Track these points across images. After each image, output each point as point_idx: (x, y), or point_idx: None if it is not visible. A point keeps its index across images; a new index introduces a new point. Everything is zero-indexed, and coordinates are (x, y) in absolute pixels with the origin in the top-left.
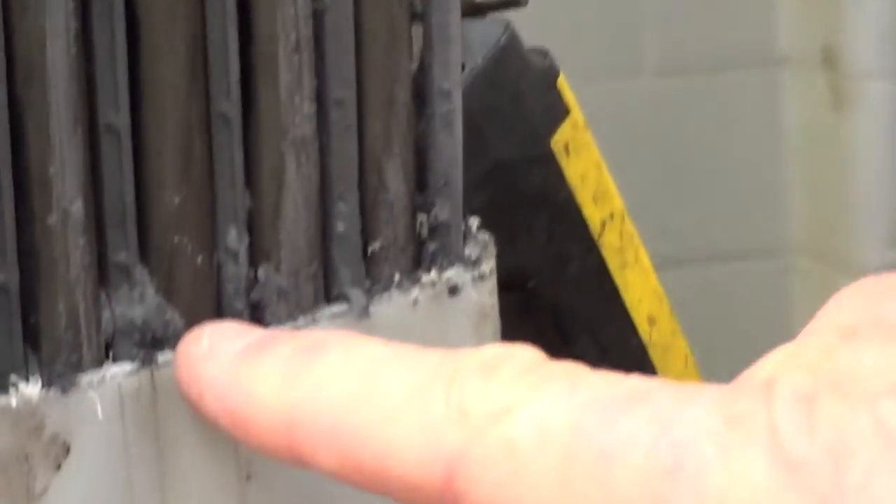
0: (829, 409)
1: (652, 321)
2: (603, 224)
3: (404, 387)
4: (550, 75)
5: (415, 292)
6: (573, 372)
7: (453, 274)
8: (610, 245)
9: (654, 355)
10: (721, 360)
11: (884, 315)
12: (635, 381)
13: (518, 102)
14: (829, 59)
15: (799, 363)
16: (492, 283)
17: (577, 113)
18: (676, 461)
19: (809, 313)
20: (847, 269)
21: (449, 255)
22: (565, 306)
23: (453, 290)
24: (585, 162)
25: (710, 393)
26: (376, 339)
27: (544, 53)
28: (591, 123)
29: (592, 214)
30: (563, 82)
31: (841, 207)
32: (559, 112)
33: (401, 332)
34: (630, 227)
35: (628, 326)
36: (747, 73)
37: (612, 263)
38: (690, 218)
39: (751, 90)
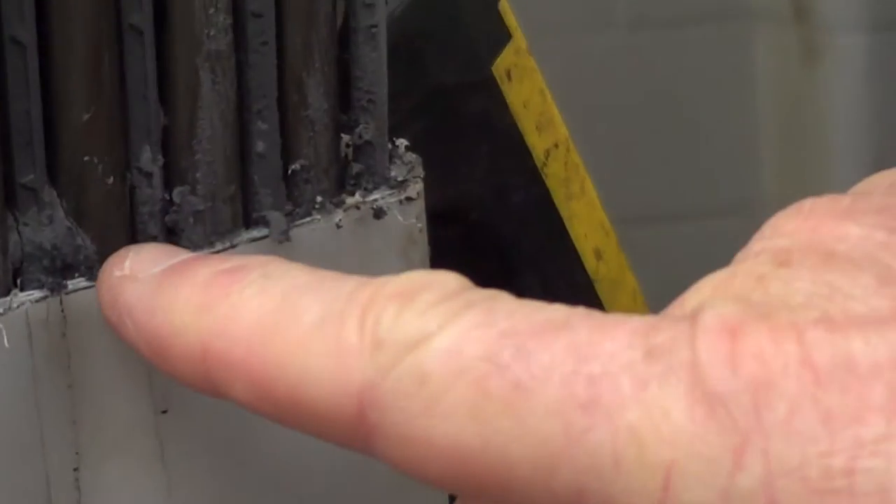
0: (754, 340)
1: (598, 255)
2: (547, 153)
3: (319, 315)
4: None
5: (338, 215)
6: (493, 300)
7: (378, 196)
8: (554, 175)
9: (601, 290)
10: None
11: (819, 240)
12: (556, 309)
13: (457, 25)
14: (801, 13)
15: (727, 292)
16: (419, 206)
17: (519, 38)
18: (591, 395)
19: None
20: None
21: (374, 177)
22: (509, 239)
23: (378, 213)
24: (528, 89)
25: (632, 324)
26: (298, 264)
27: None
28: (561, 78)
29: (536, 143)
30: (505, 6)
31: (813, 162)
32: (501, 36)
33: (324, 258)
34: (576, 157)
35: (574, 260)
36: (718, 27)
37: (557, 194)
38: (661, 174)
39: (722, 44)
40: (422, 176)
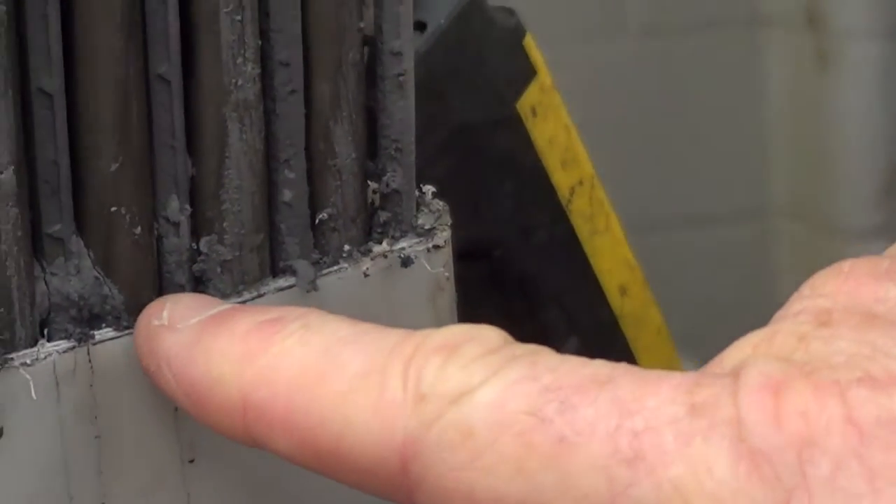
0: (798, 397)
1: (623, 291)
2: (572, 190)
3: (361, 367)
4: (516, 35)
5: (365, 264)
6: (536, 354)
7: (406, 245)
8: (579, 212)
9: (626, 326)
10: (701, 326)
11: (860, 300)
12: (599, 365)
13: (482, 63)
14: (814, 19)
15: (769, 350)
16: (447, 254)
17: (544, 74)
18: (635, 450)
19: (791, 277)
20: (829, 232)
21: (401, 225)
22: (533, 276)
23: (406, 262)
24: (554, 125)
25: (675, 380)
26: (337, 316)
27: (510, 12)
28: (572, 84)
29: (561, 180)
30: (529, 42)
31: (824, 169)
32: (526, 73)
33: (351, 306)
34: (601, 193)
35: (598, 297)
36: (731, 34)
37: (582, 231)
38: (672, 180)
39: (735, 50)
40: (449, 224)
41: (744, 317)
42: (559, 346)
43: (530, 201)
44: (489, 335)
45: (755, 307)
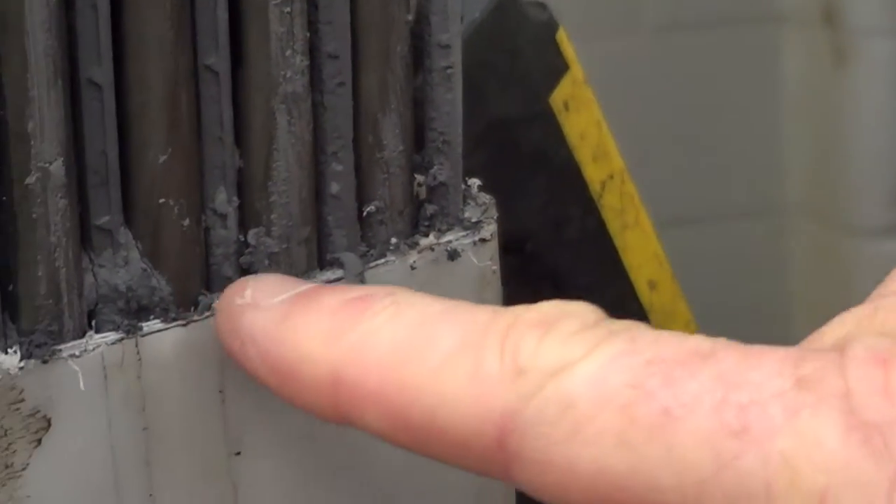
0: None
1: (653, 285)
2: (603, 184)
3: (455, 342)
4: (549, 29)
5: (412, 257)
6: (633, 330)
7: (452, 238)
8: (610, 206)
9: (655, 320)
10: (716, 323)
11: None
12: (699, 339)
13: (516, 58)
14: (830, 16)
15: (872, 327)
16: (493, 248)
17: (576, 69)
18: (743, 423)
19: (806, 275)
20: (846, 230)
21: (448, 218)
22: (564, 270)
23: (452, 255)
24: (585, 120)
25: (778, 354)
26: (424, 294)
27: (543, 6)
28: (587, 80)
29: (592, 174)
30: (562, 37)
31: (840, 166)
32: (558, 68)
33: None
34: (631, 187)
35: (628, 291)
36: (747, 30)
37: (612, 225)
38: (687, 177)
39: (750, 47)
40: (495, 217)
41: (758, 314)
42: None
43: (562, 195)
44: (585, 311)
45: (769, 304)
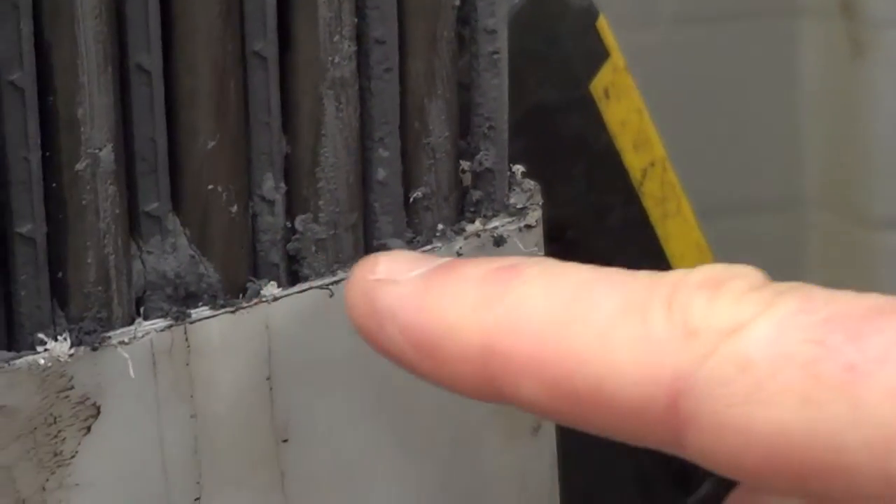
0: None
1: None
2: (644, 172)
3: (617, 306)
4: (590, 16)
5: (458, 243)
6: (804, 289)
7: (498, 224)
8: (651, 194)
9: None
10: None
11: None
12: (874, 297)
13: (556, 44)
14: (847, 8)
15: None
16: (538, 234)
17: (617, 56)
18: None
19: (824, 267)
20: (864, 223)
21: (493, 204)
22: (605, 258)
23: (499, 241)
24: (626, 107)
25: None
26: (573, 263)
27: None
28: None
29: (633, 162)
30: (602, 23)
31: (858, 159)
32: (599, 55)
33: None
34: (672, 176)
35: None
36: (764, 22)
37: (654, 214)
38: (704, 170)
39: (767, 40)
40: (540, 203)
41: None
42: None
43: (603, 183)
44: (751, 272)
45: None
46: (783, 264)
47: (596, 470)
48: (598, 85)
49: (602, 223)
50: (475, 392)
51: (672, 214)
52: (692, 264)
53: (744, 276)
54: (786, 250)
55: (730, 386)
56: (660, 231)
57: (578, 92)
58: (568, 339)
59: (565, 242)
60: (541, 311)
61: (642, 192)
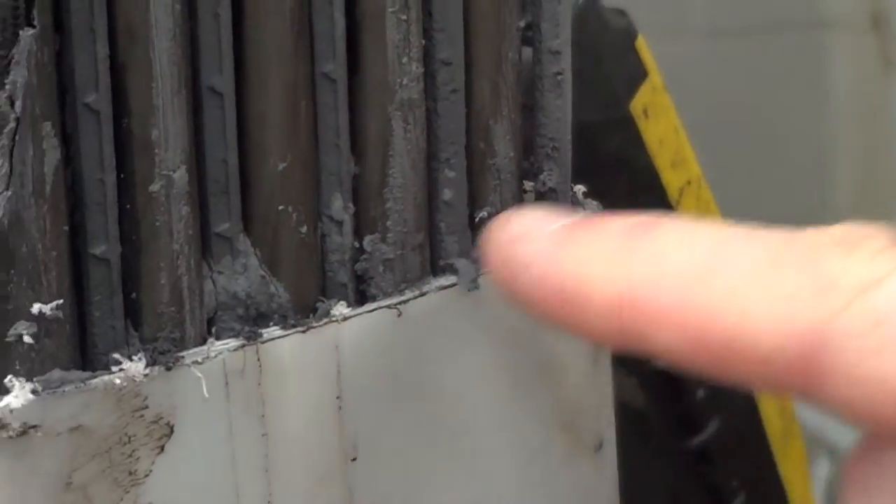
0: None
1: None
2: (681, 190)
3: (755, 260)
4: (629, 36)
5: None
6: None
7: None
8: (688, 212)
9: None
10: None
11: None
12: None
13: (597, 64)
14: (878, 22)
15: None
16: None
17: (655, 76)
18: None
19: None
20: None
21: None
22: None
23: None
24: (664, 126)
25: None
26: (706, 222)
27: (623, 13)
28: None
29: (670, 180)
30: (641, 43)
31: (889, 173)
32: (638, 74)
33: (509, 305)
34: (707, 193)
35: None
36: (795, 36)
37: None
38: (735, 184)
39: (799, 54)
40: None
41: None
42: None
43: (642, 201)
44: (883, 232)
45: None
46: None
47: (630, 484)
48: (637, 104)
49: None
50: (611, 340)
51: None
52: None
53: (877, 236)
54: None
55: (865, 339)
56: None
57: (618, 111)
58: (706, 292)
59: None
60: (681, 264)
61: (679, 209)
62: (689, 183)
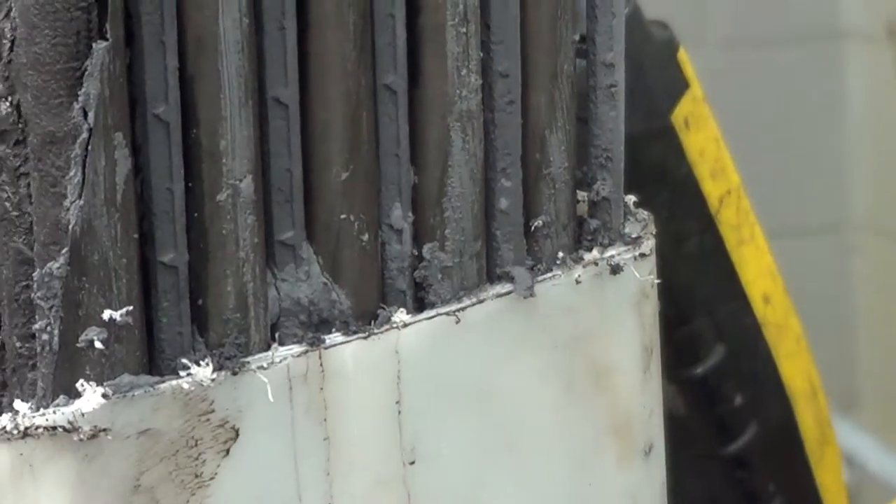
0: None
1: (767, 300)
2: (721, 200)
3: None
4: (671, 48)
5: (577, 271)
6: None
7: (615, 252)
8: (727, 222)
9: (768, 334)
10: None
11: None
12: None
13: (640, 75)
14: (894, 32)
15: None
16: (652, 262)
17: (696, 86)
18: None
19: (871, 289)
20: None
21: (610, 233)
22: (682, 285)
23: (615, 269)
24: (704, 136)
25: None
26: None
27: (665, 25)
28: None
29: (711, 190)
30: (683, 55)
31: None
32: (680, 85)
33: (564, 313)
34: (746, 203)
35: (744, 305)
36: (811, 47)
37: (730, 241)
38: (753, 194)
39: (815, 64)
40: (654, 233)
41: (824, 329)
42: (706, 354)
43: (682, 211)
44: None
45: (835, 319)
46: (830, 286)
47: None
48: (678, 115)
49: (680, 250)
50: None
51: (746, 241)
52: (765, 289)
53: None
54: (832, 272)
55: None
56: (734, 257)
57: (660, 122)
58: None
59: None
60: None
61: (719, 219)
62: (728, 192)
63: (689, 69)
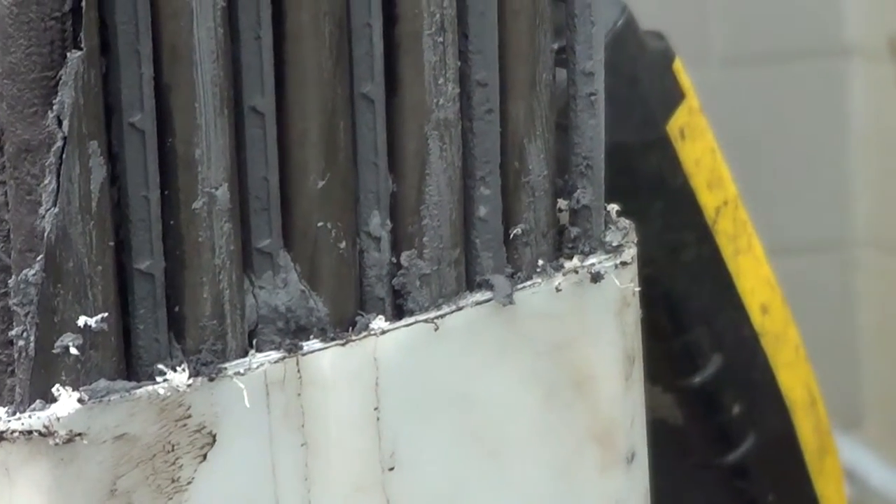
0: None
1: (764, 309)
2: (717, 211)
3: None
4: (667, 58)
5: (557, 279)
6: None
7: (595, 260)
8: (724, 232)
9: (766, 344)
10: None
11: None
12: None
13: (635, 85)
14: None
15: None
16: (633, 271)
17: (692, 97)
18: None
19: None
20: None
21: (590, 241)
22: (679, 294)
23: (596, 278)
24: (701, 147)
25: None
26: None
27: (660, 36)
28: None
29: (707, 201)
30: (678, 66)
31: None
32: (675, 96)
33: (544, 320)
34: (743, 213)
35: (741, 315)
36: (814, 63)
37: (726, 251)
38: (755, 210)
39: (817, 80)
40: (635, 241)
41: (827, 345)
42: (704, 363)
43: (678, 221)
44: None
45: (838, 335)
46: (833, 302)
47: (667, 500)
48: (674, 125)
49: (677, 260)
50: None
51: (743, 251)
52: (763, 299)
53: None
54: (835, 288)
55: None
56: (731, 267)
57: (655, 132)
58: None
59: (642, 279)
60: None
61: (716, 229)
62: (725, 203)
63: (685, 80)
